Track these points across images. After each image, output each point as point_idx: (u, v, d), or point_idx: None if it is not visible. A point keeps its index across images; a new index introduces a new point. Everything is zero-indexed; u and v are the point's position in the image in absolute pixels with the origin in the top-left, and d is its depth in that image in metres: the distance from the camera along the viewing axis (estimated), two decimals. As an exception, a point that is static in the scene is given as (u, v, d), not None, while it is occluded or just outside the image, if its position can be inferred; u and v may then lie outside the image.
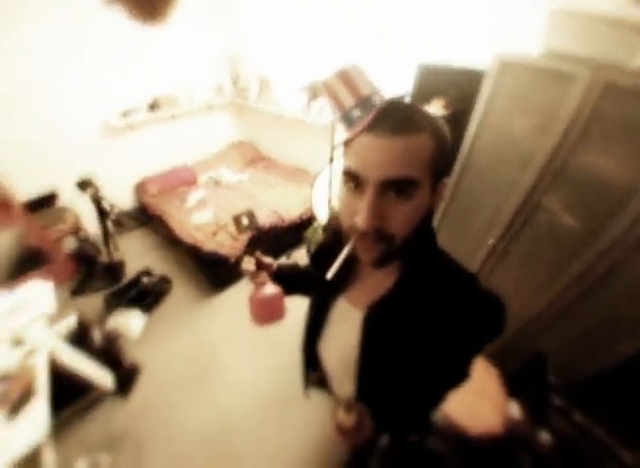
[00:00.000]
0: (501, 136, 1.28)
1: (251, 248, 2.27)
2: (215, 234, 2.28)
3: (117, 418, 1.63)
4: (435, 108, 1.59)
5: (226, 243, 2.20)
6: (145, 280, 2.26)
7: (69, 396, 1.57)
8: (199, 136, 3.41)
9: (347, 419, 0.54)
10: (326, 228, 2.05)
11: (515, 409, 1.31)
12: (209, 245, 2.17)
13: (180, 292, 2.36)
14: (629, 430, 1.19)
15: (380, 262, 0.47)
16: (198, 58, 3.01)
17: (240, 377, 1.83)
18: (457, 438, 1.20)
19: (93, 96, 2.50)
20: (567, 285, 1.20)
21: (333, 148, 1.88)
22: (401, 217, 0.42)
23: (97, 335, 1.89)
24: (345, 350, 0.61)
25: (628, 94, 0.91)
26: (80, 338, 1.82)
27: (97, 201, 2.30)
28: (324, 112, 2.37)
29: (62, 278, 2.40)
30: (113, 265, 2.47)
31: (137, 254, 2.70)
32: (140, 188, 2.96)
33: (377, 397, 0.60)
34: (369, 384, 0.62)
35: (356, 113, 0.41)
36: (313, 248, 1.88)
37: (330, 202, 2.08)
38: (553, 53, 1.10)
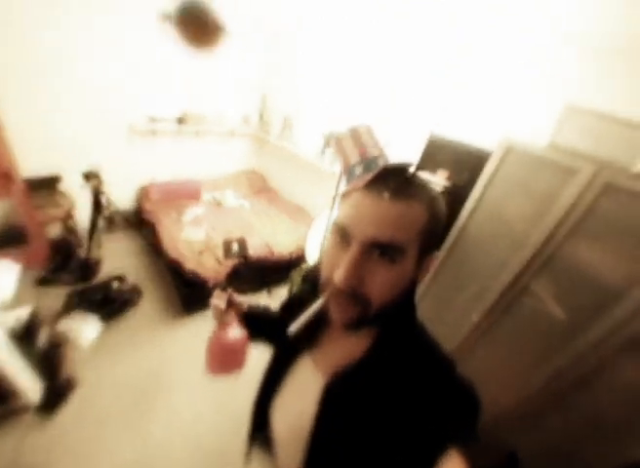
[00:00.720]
0: (497, 215, 1.32)
1: (231, 277, 2.20)
2: (201, 253, 2.22)
3: (31, 442, 1.40)
4: (439, 178, 1.67)
5: (209, 265, 2.14)
6: (116, 285, 2.15)
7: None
8: (215, 157, 3.53)
9: None
10: (305, 278, 2.00)
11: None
12: (191, 263, 2.11)
13: (148, 307, 2.22)
14: None
15: (352, 325, 0.44)
16: (234, 87, 3.26)
17: (183, 418, 1.65)
18: None
19: (129, 97, 2.63)
20: (547, 378, 1.14)
21: (335, 197, 1.93)
22: (381, 281, 0.40)
23: (43, 336, 1.73)
24: (299, 418, 0.54)
25: (627, 195, 0.94)
26: (26, 334, 1.66)
27: (96, 193, 2.31)
28: (335, 161, 2.49)
29: (33, 262, 2.28)
30: (89, 262, 2.37)
31: (117, 257, 2.61)
32: (143, 192, 2.97)
33: None
34: (318, 463, 0.53)
35: (358, 170, 0.43)
36: (295, 289, 1.83)
37: (322, 249, 2.07)
38: (559, 145, 1.17)
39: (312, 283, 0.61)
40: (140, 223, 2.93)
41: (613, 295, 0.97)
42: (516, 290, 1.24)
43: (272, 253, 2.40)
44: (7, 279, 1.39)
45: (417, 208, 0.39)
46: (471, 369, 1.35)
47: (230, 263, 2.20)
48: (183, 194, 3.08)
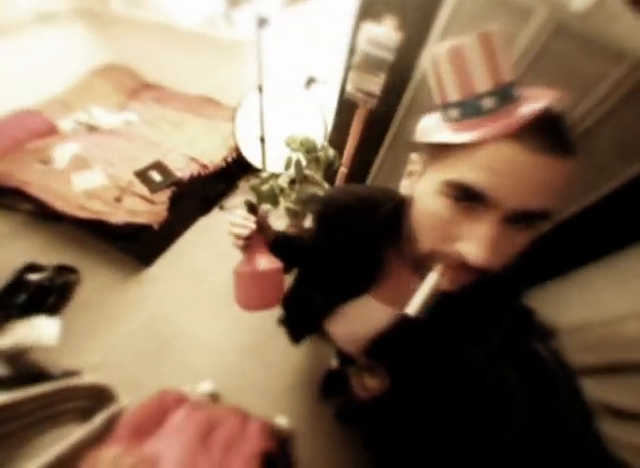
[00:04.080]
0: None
1: (172, 210, 1.84)
2: (119, 200, 1.74)
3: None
4: (387, 30, 1.28)
5: (140, 208, 1.72)
6: (34, 277, 1.69)
7: None
8: (35, 65, 2.28)
9: (372, 382, 0.59)
10: (305, 202, 1.59)
11: None
12: (117, 215, 1.67)
13: (96, 278, 1.87)
14: None
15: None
16: None
17: (206, 336, 1.70)
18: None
19: None
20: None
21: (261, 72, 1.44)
22: (512, 249, 0.33)
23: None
24: (361, 334, 0.57)
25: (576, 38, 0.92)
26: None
27: None
28: (240, 24, 1.80)
29: None
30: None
31: (4, 246, 1.95)
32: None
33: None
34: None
35: (488, 104, 0.30)
36: (270, 203, 1.58)
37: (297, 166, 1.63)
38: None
39: (327, 225, 0.55)
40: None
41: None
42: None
43: (205, 167, 1.98)
44: None
45: (573, 163, 0.30)
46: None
47: (164, 197, 1.79)
48: (28, 133, 2.12)
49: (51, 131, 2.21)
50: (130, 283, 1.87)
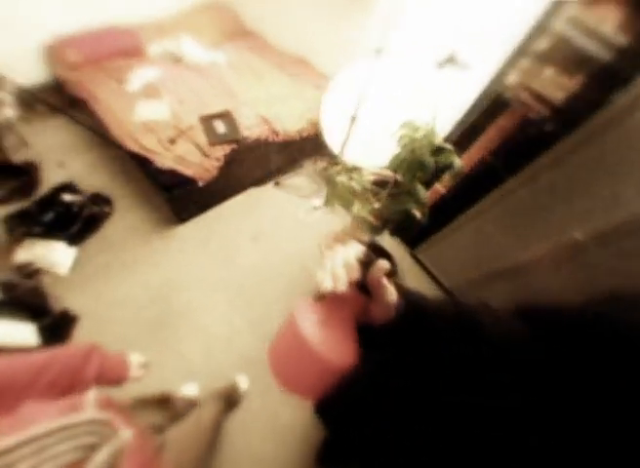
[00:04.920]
0: None
1: (224, 170, 1.58)
2: (173, 142, 1.53)
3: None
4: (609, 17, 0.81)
5: (191, 158, 1.49)
6: (68, 198, 1.56)
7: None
8: None
9: None
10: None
11: None
12: (165, 159, 1.46)
13: (127, 219, 1.72)
14: None
15: None
16: None
17: (213, 330, 1.45)
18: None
19: None
20: None
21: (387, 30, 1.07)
22: None
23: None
24: None
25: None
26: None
27: None
28: None
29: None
30: (21, 169, 1.68)
31: (55, 157, 1.87)
32: (55, 54, 1.91)
33: None
34: None
35: None
36: (340, 202, 1.20)
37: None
38: None
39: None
40: (70, 103, 2.01)
41: None
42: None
43: (276, 133, 1.68)
44: None
45: None
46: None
47: (220, 153, 1.53)
48: (117, 49, 2.03)
49: (138, 52, 2.09)
50: (157, 236, 1.68)
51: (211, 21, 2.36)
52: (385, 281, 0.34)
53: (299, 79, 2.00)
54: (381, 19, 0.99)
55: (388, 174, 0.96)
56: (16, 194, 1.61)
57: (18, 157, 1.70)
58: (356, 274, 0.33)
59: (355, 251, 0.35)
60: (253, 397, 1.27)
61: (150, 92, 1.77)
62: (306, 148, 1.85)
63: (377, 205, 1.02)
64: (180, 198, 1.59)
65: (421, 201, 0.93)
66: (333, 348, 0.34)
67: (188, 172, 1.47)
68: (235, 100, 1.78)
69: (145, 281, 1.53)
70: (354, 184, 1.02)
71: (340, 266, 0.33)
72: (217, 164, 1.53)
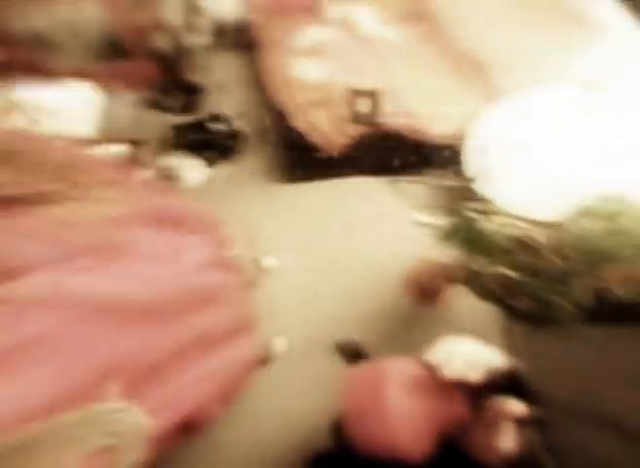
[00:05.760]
0: None
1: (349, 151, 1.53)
2: (315, 106, 1.54)
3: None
4: None
5: (324, 128, 1.49)
6: (214, 127, 1.76)
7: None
8: None
9: None
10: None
11: None
12: (300, 119, 1.48)
13: (251, 161, 1.83)
14: None
15: None
16: None
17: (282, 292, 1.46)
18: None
19: None
20: None
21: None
22: None
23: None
24: None
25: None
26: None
27: None
28: None
29: (140, 81, 1.98)
30: (191, 88, 1.96)
31: (224, 86, 2.08)
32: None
33: None
34: None
35: None
36: (475, 249, 0.95)
37: None
38: None
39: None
40: (248, 43, 2.19)
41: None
42: None
43: (416, 131, 1.54)
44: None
45: None
46: None
47: (353, 132, 1.49)
48: (300, 4, 2.09)
49: (315, 11, 2.12)
50: (265, 187, 1.77)
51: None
52: (508, 424, 0.27)
53: (466, 82, 1.76)
54: (607, 46, 0.72)
55: (546, 241, 0.71)
56: (181, 109, 1.90)
57: (192, 78, 1.97)
58: (476, 377, 0.31)
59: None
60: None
61: (314, 51, 1.81)
62: (440, 156, 1.66)
63: (509, 272, 0.77)
64: (297, 159, 1.63)
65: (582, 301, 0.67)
66: (410, 429, 0.29)
67: (316, 139, 1.49)
68: (389, 83, 1.68)
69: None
70: (501, 234, 0.78)
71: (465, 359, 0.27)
72: (345, 141, 1.50)
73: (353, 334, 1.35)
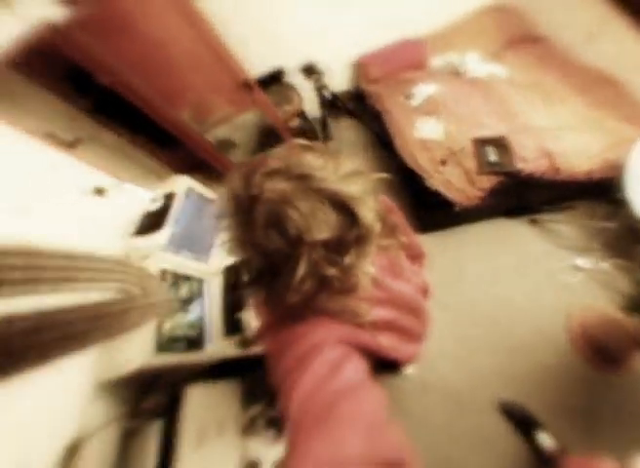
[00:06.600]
0: None
1: (485, 198, 1.63)
2: (444, 163, 1.72)
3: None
4: None
5: (456, 183, 1.65)
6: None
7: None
8: None
9: None
10: None
11: None
12: (434, 180, 1.68)
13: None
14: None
15: None
16: None
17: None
18: None
19: None
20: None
21: None
22: None
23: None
24: None
25: None
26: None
27: (319, 88, 2.18)
28: None
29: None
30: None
31: (347, 150, 2.48)
32: (360, 69, 2.44)
33: None
34: None
35: None
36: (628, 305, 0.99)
37: None
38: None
39: None
40: (363, 108, 2.54)
41: None
42: None
43: (557, 170, 1.55)
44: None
45: None
46: None
47: (486, 184, 1.61)
48: (405, 62, 2.32)
49: (422, 63, 2.32)
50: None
51: (493, 27, 2.25)
52: None
53: (601, 105, 1.68)
54: None
55: None
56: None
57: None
58: None
59: None
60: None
61: (429, 108, 1.99)
62: (587, 189, 1.61)
63: None
64: (430, 216, 1.82)
65: None
66: None
67: (450, 195, 1.64)
68: (514, 124, 1.74)
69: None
70: None
71: None
72: (479, 194, 1.62)
73: (514, 394, 1.22)
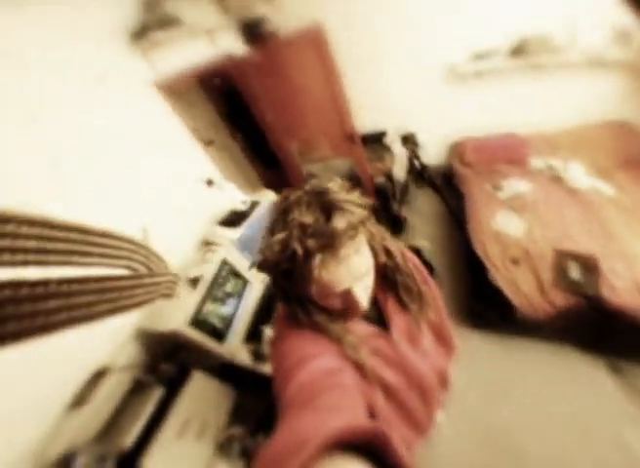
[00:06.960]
0: None
1: (557, 318, 1.46)
2: (515, 262, 1.63)
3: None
4: None
5: (523, 286, 1.53)
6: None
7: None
8: (556, 99, 2.30)
9: None
10: None
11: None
12: (499, 276, 1.59)
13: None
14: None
15: None
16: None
17: None
18: None
19: (438, 31, 2.22)
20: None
21: None
22: None
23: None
24: None
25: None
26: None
27: (411, 157, 2.35)
28: None
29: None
30: (397, 218, 2.49)
31: (421, 219, 2.57)
32: (456, 150, 2.57)
33: None
34: None
35: None
36: None
37: None
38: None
39: None
40: (448, 186, 2.63)
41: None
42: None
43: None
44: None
45: None
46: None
47: (561, 301, 1.45)
48: (503, 153, 2.36)
49: (520, 162, 2.32)
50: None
51: (609, 141, 2.16)
52: None
53: None
54: None
55: None
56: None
57: (400, 210, 2.52)
58: None
59: None
60: None
61: (516, 204, 1.95)
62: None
63: None
64: (484, 311, 1.71)
65: None
66: None
67: (513, 298, 1.52)
68: (609, 248, 1.57)
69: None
70: None
71: None
72: (548, 308, 1.46)
73: None
